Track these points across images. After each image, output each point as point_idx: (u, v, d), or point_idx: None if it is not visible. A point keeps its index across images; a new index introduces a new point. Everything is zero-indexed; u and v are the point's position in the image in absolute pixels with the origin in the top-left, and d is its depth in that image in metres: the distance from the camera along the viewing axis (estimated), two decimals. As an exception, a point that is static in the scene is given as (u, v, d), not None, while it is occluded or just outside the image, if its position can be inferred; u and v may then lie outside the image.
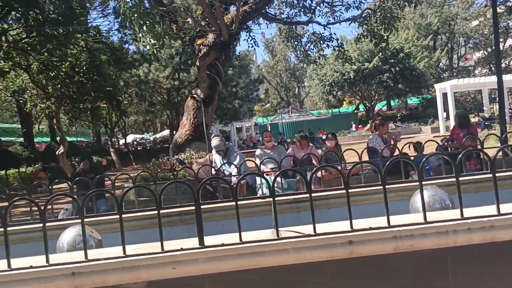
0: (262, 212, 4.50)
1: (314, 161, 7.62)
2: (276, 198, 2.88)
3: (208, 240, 2.69)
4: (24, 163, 22.53)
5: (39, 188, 16.89)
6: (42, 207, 2.78)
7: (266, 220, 3.88)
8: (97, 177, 5.69)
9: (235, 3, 12.37)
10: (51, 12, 15.60)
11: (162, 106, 37.19)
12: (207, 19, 12.42)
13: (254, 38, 16.23)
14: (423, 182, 2.81)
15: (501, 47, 41.34)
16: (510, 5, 42.18)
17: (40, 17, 14.92)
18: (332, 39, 16.05)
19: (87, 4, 20.04)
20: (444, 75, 50.13)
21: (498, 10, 25.80)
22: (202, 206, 2.78)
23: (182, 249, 2.61)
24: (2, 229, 2.61)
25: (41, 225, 2.70)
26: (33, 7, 13.87)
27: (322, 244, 2.61)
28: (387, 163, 3.31)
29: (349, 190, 2.78)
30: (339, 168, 4.84)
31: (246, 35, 16.18)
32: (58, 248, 3.50)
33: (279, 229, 2.76)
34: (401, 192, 4.32)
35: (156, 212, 2.81)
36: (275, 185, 5.79)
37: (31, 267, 2.50)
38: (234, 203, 2.84)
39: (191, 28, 13.46)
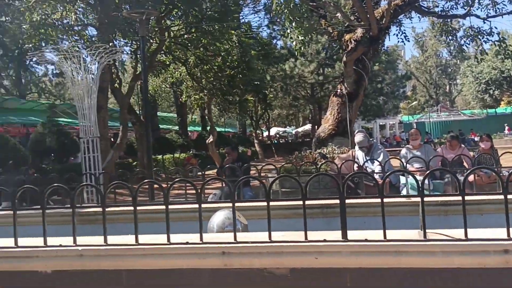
0: (406, 212, 4.37)
1: (465, 164, 7.14)
2: (424, 199, 2.78)
3: (351, 234, 2.70)
4: (178, 149, 24.46)
5: (191, 173, 18.29)
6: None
7: (409, 220, 3.77)
8: (244, 166, 5.98)
9: (387, -3, 12.05)
10: (208, 10, 16.68)
11: (305, 101, 37.64)
12: (356, 14, 12.27)
13: (405, 33, 15.52)
14: None
15: None
16: None
17: (198, 14, 16.03)
18: (492, 33, 14.78)
19: (240, 1, 21.00)
20: None
21: None
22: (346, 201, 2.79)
23: (325, 241, 2.66)
24: (164, 207, 2.90)
25: (195, 206, 2.95)
26: (193, 6, 14.96)
27: (473, 250, 2.47)
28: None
29: (508, 196, 2.58)
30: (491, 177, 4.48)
31: (396, 30, 15.62)
32: (209, 228, 3.77)
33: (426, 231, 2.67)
34: None
35: (300, 202, 2.89)
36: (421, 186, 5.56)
37: (187, 243, 2.74)
38: (377, 200, 2.81)
39: (339, 23, 13.41)
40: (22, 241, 2.87)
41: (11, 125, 24.07)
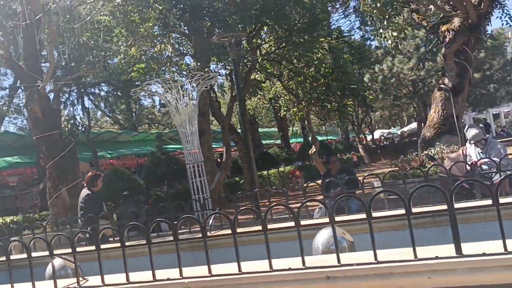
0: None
1: None
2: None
3: (467, 248, 2.47)
4: (282, 163, 24.62)
5: (296, 185, 18.28)
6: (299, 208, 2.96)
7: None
8: (346, 178, 5.82)
9: (484, -21, 11.19)
10: (297, 22, 16.68)
11: (408, 99, 36.18)
12: (451, 2, 11.56)
13: (509, 14, 14.21)
14: None
15: None
16: None
17: (287, 28, 16.10)
18: None
19: (329, 8, 20.77)
20: None
21: None
22: (458, 206, 2.57)
23: (437, 258, 2.45)
24: (262, 233, 2.86)
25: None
26: (282, 20, 15.06)
27: None
28: None
29: None
30: None
31: (499, 12, 14.37)
32: (314, 249, 3.67)
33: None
34: None
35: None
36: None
37: (290, 269, 2.67)
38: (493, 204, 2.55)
39: (434, 14, 12.71)
40: (132, 276, 2.98)
41: (126, 157, 25.88)
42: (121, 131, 30.01)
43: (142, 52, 14.11)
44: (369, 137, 44.26)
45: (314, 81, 19.40)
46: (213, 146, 19.90)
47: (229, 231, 3.46)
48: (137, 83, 16.87)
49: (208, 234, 4.94)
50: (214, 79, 12.36)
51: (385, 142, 45.77)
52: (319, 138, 32.79)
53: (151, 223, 2.98)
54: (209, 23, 15.02)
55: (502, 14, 14.33)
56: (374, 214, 4.16)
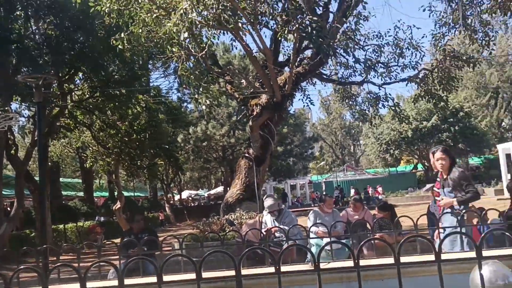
0: (312, 281, 4.29)
1: (368, 225, 7.32)
2: (324, 266, 2.72)
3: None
4: (82, 217, 23.14)
5: (95, 242, 17.24)
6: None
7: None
8: (145, 239, 5.67)
9: (289, 65, 12.53)
10: (114, 74, 16.36)
11: (217, 163, 37.75)
12: (261, 80, 12.64)
13: (309, 97, 16.15)
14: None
15: None
16: None
17: (104, 78, 15.67)
18: (388, 99, 15.75)
19: (149, 65, 20.94)
20: (508, 134, 48.10)
21: None
22: (247, 272, 2.67)
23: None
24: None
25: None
26: (98, 69, 14.63)
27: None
28: (445, 234, 3.08)
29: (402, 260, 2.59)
30: (393, 237, 4.60)
31: (301, 95, 16.18)
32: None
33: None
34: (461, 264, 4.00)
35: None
36: (326, 249, 5.57)
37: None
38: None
39: (246, 88, 13.72)
40: None
41: None
42: None
43: None
44: (177, 197, 44.57)
45: (126, 135, 19.02)
46: (4, 193, 17.86)
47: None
48: None
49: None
50: (13, 120, 11.27)
51: (192, 203, 46.52)
52: (126, 194, 31.95)
53: None
54: (15, 60, 13.83)
55: (304, 97, 16.20)
56: (169, 278, 4.12)
